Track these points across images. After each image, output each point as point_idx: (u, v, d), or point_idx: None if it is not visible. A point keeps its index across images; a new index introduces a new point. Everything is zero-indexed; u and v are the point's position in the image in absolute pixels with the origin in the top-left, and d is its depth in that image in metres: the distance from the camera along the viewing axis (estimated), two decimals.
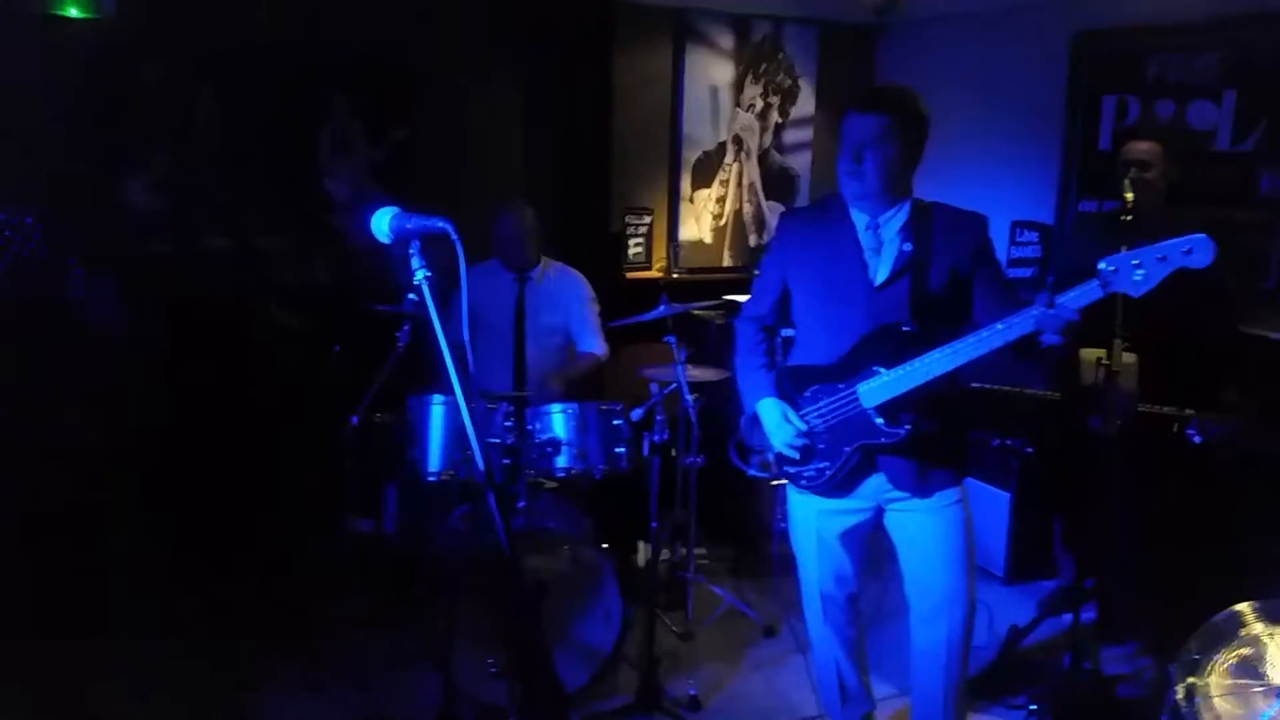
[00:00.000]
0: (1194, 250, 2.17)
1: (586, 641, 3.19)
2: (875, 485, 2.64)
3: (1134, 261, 2.20)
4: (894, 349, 2.48)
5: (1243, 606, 2.49)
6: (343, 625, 3.63)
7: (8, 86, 3.61)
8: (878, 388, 2.50)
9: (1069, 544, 3.92)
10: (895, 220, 2.57)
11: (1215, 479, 3.36)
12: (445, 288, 1.93)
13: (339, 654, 3.51)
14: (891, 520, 2.72)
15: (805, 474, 2.67)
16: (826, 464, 2.62)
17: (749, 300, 2.89)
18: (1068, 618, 3.30)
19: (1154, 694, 3.21)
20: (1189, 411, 3.37)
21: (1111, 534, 3.59)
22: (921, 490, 2.60)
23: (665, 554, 4.01)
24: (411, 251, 1.89)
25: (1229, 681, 2.39)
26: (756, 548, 4.48)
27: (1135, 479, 3.60)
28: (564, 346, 4.10)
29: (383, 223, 1.92)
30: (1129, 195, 3.31)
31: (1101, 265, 2.23)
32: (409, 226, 1.89)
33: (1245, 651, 2.43)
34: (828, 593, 2.81)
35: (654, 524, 3.69)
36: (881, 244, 2.57)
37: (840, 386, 2.56)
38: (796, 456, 2.64)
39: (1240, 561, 3.21)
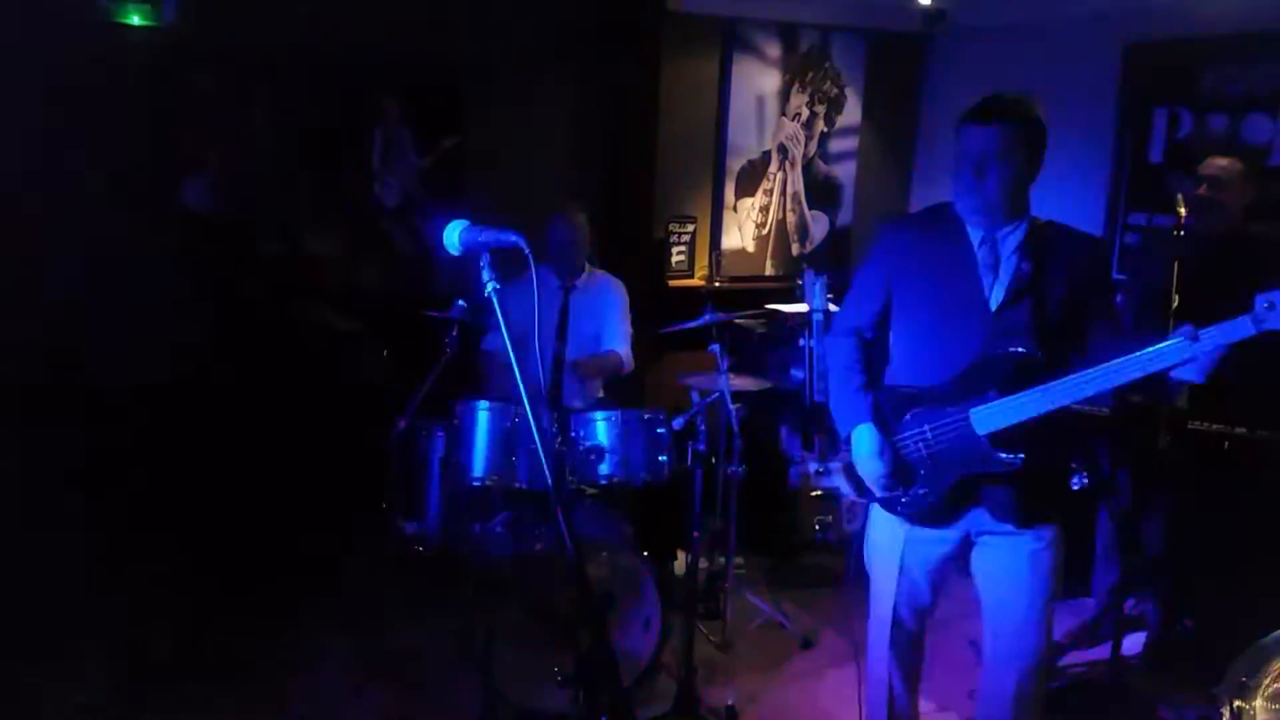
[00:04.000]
0: None
1: (626, 649, 3.21)
2: (973, 516, 2.51)
3: None
4: (1011, 374, 2.36)
5: None
6: (386, 626, 3.68)
7: (73, 89, 3.71)
8: (995, 414, 2.37)
9: (1111, 562, 3.86)
10: (1013, 237, 2.44)
11: (1268, 497, 3.31)
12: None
13: (381, 654, 3.56)
14: (982, 552, 2.58)
15: (903, 499, 2.54)
16: (926, 490, 2.50)
17: (843, 311, 2.76)
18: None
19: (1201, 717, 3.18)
20: (1240, 430, 3.32)
21: (1161, 553, 3.55)
22: (1024, 523, 2.47)
23: (704, 563, 4.02)
24: (482, 264, 1.89)
25: (1275, 706, 2.35)
26: (795, 559, 4.48)
27: (1185, 497, 3.57)
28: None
29: (454, 235, 1.91)
30: (1182, 210, 3.27)
31: (1259, 300, 2.11)
32: (480, 239, 1.89)
33: None
34: (900, 621, 2.68)
35: (695, 533, 3.71)
36: (999, 261, 2.44)
37: (950, 410, 2.43)
38: (883, 495, 2.54)
39: None
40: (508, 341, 1.83)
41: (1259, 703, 2.37)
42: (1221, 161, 3.56)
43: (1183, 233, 3.25)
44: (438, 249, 1.96)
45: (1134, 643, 3.67)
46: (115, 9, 3.93)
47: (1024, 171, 2.39)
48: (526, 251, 1.85)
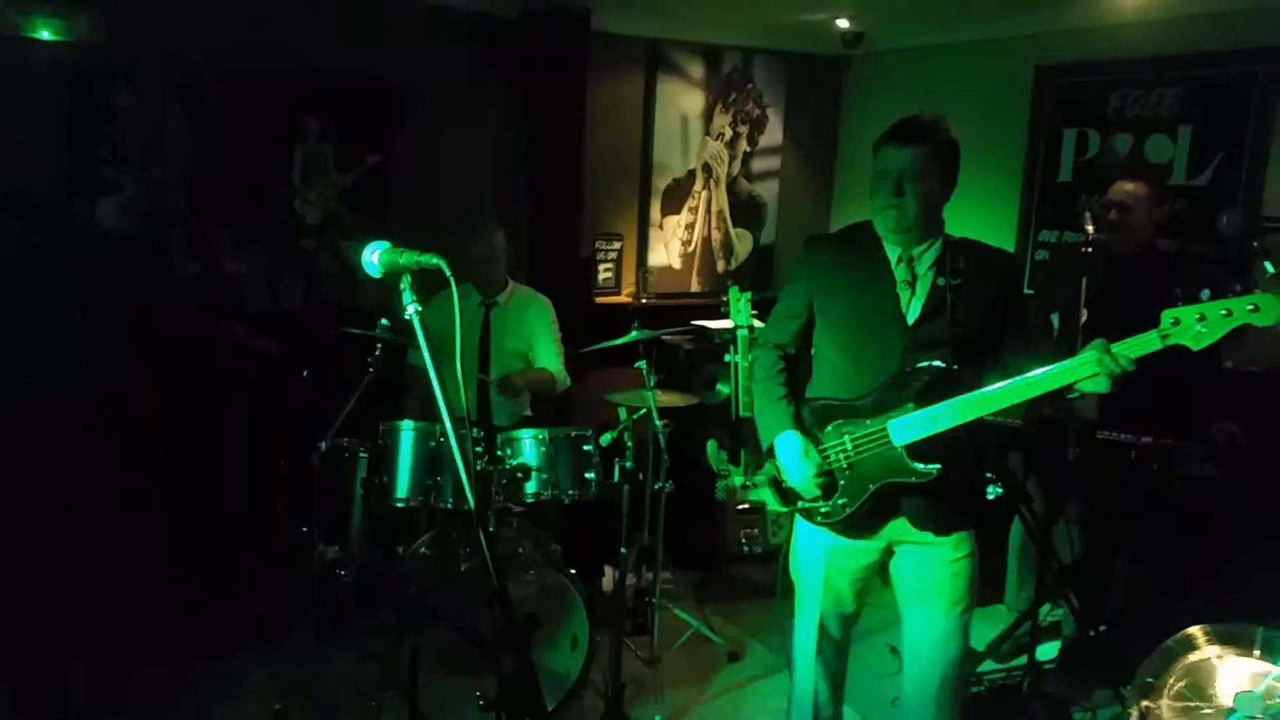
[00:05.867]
0: (1261, 308, 2.12)
1: (553, 668, 3.20)
2: (893, 525, 2.56)
3: (1196, 316, 2.16)
4: (928, 386, 2.42)
5: (1194, 629, 2.53)
6: (308, 651, 3.61)
7: None
8: (912, 426, 2.42)
9: (1026, 571, 3.96)
10: (929, 254, 2.51)
11: (1173, 505, 3.43)
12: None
13: (303, 681, 3.49)
14: (901, 561, 2.63)
15: (823, 510, 2.59)
16: (846, 500, 2.55)
17: (768, 327, 2.81)
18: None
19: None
20: (1147, 439, 3.44)
21: (1073, 561, 3.65)
22: (941, 531, 2.53)
23: (632, 579, 4.02)
24: (403, 286, 1.87)
25: (1179, 704, 2.44)
26: (722, 572, 4.51)
27: (1095, 505, 3.68)
28: (525, 371, 4.10)
29: (373, 256, 1.88)
30: (1089, 228, 3.39)
31: (1165, 317, 2.18)
32: (401, 261, 1.86)
33: (1196, 674, 2.47)
34: (825, 629, 2.72)
35: (623, 549, 3.72)
36: (915, 278, 2.50)
37: (869, 422, 2.49)
38: (814, 495, 2.57)
39: (1194, 586, 3.28)
40: (429, 363, 1.82)
41: (1164, 701, 2.46)
42: (1129, 186, 3.69)
43: (1090, 250, 3.37)
44: (359, 269, 1.94)
45: (1049, 649, 3.78)
46: (25, 23, 3.82)
47: (939, 191, 2.46)
48: (448, 274, 1.83)
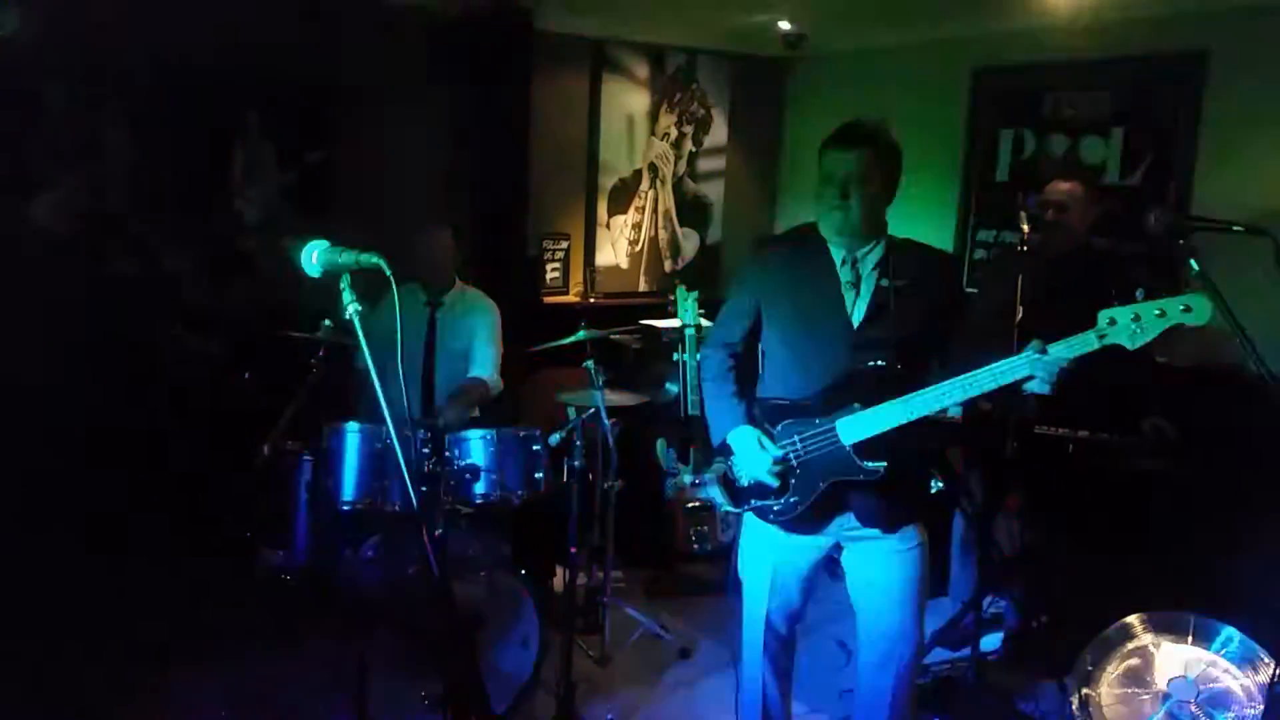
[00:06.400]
0: (1193, 309, 2.20)
1: (504, 668, 3.18)
2: (841, 522, 2.60)
3: (1131, 316, 2.23)
4: (873, 386, 2.47)
5: (1132, 618, 2.61)
6: (254, 657, 3.55)
7: None
8: (859, 424, 2.47)
9: (967, 564, 4.03)
10: (872, 256, 2.56)
11: (1112, 497, 3.52)
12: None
13: (250, 687, 3.43)
14: (852, 557, 2.68)
15: (774, 507, 2.61)
16: (797, 498, 2.58)
17: (717, 327, 2.84)
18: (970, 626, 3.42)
19: (1057, 709, 3.34)
20: (1083, 433, 3.53)
21: (1013, 553, 3.73)
22: (889, 527, 2.59)
23: (582, 578, 4.02)
24: (342, 285, 1.85)
25: (1118, 690, 2.51)
26: (672, 570, 4.52)
27: (1034, 498, 3.76)
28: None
29: (312, 255, 1.85)
30: (1025, 227, 3.46)
31: (1101, 317, 2.26)
32: (340, 261, 1.84)
33: (1134, 661, 2.55)
34: (772, 626, 2.76)
35: (573, 549, 3.71)
36: (859, 280, 2.55)
37: (818, 421, 2.53)
38: (775, 484, 2.58)
39: (1135, 576, 3.37)
40: (370, 364, 1.80)
41: (1104, 689, 2.53)
42: (1064, 185, 3.77)
43: (1026, 248, 3.44)
44: (288, 264, 1.91)
45: (992, 640, 3.85)
46: None
47: (882, 194, 2.52)
48: (388, 274, 1.82)
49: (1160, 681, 2.49)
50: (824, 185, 2.50)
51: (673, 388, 4.73)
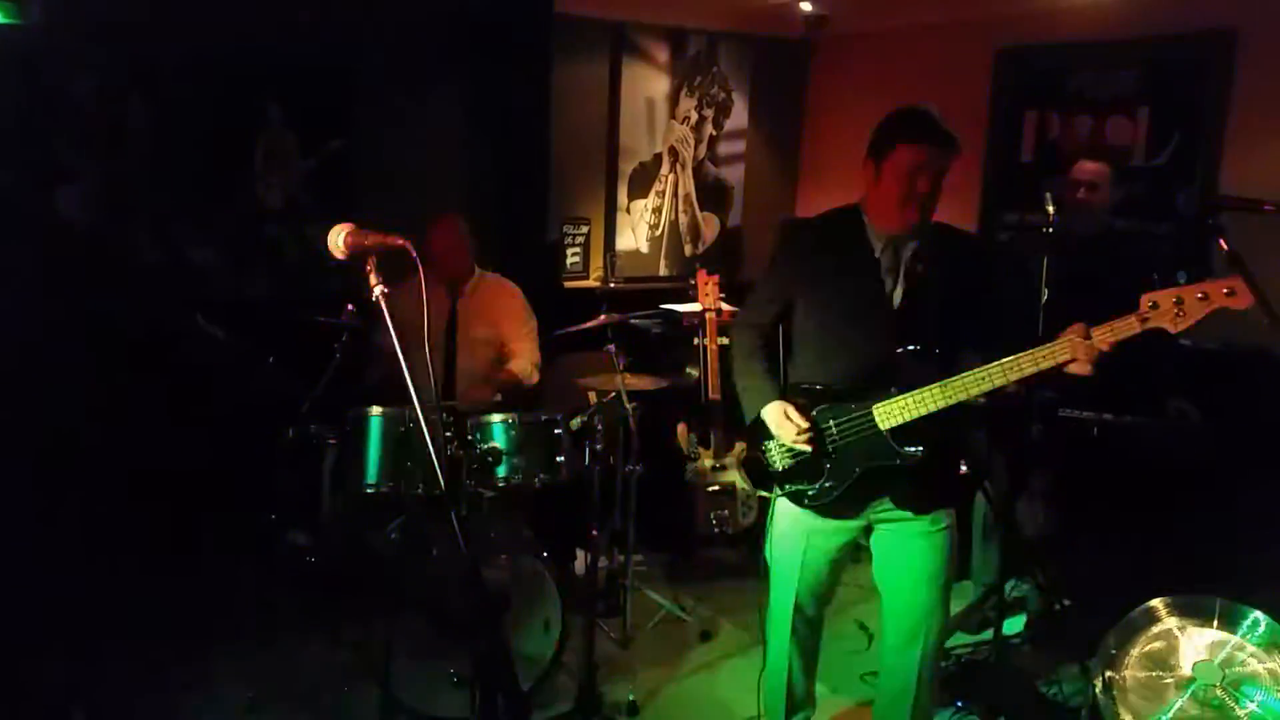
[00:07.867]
0: (1236, 292, 2.18)
1: (526, 650, 3.21)
2: (874, 506, 2.62)
3: (1174, 299, 2.21)
4: (912, 371, 2.47)
5: (1156, 602, 2.59)
6: (279, 639, 3.59)
7: None
8: (896, 410, 2.48)
9: (989, 547, 4.01)
10: (910, 241, 2.56)
11: (1137, 481, 3.49)
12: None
13: (275, 668, 3.47)
14: (881, 538, 2.69)
15: (810, 493, 2.63)
16: (833, 483, 2.59)
17: (748, 309, 2.85)
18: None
19: (1079, 692, 3.33)
20: (1107, 416, 3.50)
21: (1037, 537, 3.71)
22: (922, 510, 2.60)
23: (603, 562, 4.04)
24: (368, 269, 1.86)
25: (1142, 674, 2.49)
26: (693, 553, 4.54)
27: (1058, 481, 3.74)
28: (496, 359, 4.08)
29: (338, 239, 1.87)
30: (1050, 209, 3.43)
31: (1143, 301, 2.24)
32: (366, 244, 1.85)
33: (1158, 645, 2.53)
34: (801, 608, 2.78)
35: (594, 532, 3.73)
36: (899, 265, 2.56)
37: (855, 407, 2.53)
38: (807, 451, 2.58)
39: (1162, 560, 3.34)
40: (397, 347, 1.81)
41: (1128, 672, 2.51)
42: (1092, 166, 3.74)
43: (1051, 230, 3.41)
44: (324, 253, 1.92)
45: (1015, 623, 3.84)
46: None
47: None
48: (414, 255, 1.83)
49: (1185, 665, 2.47)
50: (896, 176, 2.47)
51: (693, 372, 4.73)
